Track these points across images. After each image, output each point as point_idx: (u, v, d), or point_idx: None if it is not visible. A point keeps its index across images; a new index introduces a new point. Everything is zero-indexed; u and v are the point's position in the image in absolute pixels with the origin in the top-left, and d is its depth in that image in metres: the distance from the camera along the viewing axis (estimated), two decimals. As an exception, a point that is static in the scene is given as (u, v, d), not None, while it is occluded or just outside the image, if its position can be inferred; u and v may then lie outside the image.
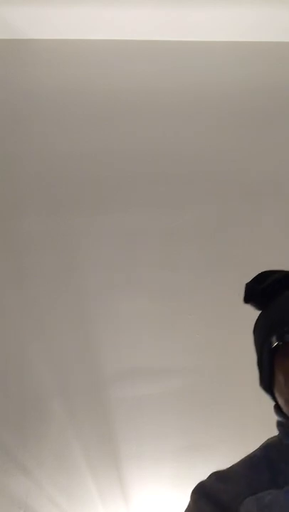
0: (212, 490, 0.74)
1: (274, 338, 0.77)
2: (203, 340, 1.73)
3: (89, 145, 1.99)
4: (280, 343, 0.76)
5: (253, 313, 0.90)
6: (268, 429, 0.87)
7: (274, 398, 0.82)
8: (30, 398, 1.71)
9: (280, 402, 0.78)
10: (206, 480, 0.77)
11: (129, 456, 1.64)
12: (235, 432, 1.50)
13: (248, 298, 0.87)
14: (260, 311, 0.87)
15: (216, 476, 0.77)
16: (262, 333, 0.83)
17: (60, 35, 2.07)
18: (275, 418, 0.84)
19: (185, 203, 1.92)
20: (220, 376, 1.68)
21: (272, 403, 0.83)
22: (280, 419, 0.80)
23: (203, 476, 0.84)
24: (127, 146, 1.99)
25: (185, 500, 0.79)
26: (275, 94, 2.09)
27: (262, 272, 0.88)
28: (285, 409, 0.77)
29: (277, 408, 0.81)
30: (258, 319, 0.87)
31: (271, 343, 0.78)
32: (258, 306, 0.87)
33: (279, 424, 0.81)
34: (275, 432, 0.87)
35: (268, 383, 0.81)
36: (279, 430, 0.81)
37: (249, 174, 1.97)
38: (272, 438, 0.82)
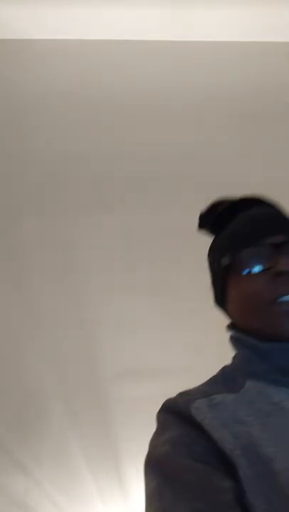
0: (171, 402, 0.80)
1: (226, 258, 0.83)
2: (203, 340, 1.74)
3: (89, 145, 1.99)
4: (232, 261, 0.82)
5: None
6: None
7: (227, 314, 0.90)
8: (30, 398, 1.72)
9: (233, 314, 0.86)
10: (169, 397, 0.83)
11: (129, 455, 1.64)
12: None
13: (203, 225, 0.97)
14: (213, 237, 0.95)
15: (179, 393, 0.83)
16: (216, 253, 0.89)
17: (60, 35, 2.07)
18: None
19: (185, 203, 1.92)
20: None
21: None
22: (231, 333, 0.88)
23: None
24: (127, 146, 1.99)
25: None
26: (275, 94, 2.09)
27: (214, 201, 0.97)
28: (237, 319, 0.85)
29: (230, 325, 0.89)
30: (211, 243, 0.95)
31: (223, 262, 0.84)
32: (211, 232, 0.96)
33: (232, 339, 0.89)
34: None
35: (220, 300, 0.90)
36: (232, 344, 0.89)
37: (249, 174, 1.97)
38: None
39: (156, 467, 0.69)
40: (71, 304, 1.80)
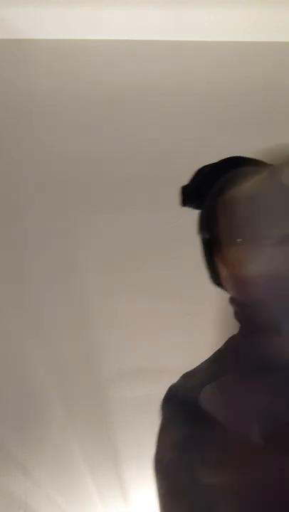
0: (176, 389, 0.73)
1: (204, 232, 0.73)
2: (203, 340, 1.73)
3: (89, 145, 1.99)
4: (209, 236, 0.73)
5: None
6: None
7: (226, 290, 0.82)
8: (29, 398, 1.72)
9: (230, 290, 0.80)
10: (174, 383, 0.76)
11: (129, 456, 1.64)
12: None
13: (184, 201, 0.84)
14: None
15: (183, 375, 0.76)
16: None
17: (60, 35, 2.07)
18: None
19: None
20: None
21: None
22: (234, 308, 0.81)
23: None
24: (127, 146, 1.99)
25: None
26: (276, 94, 2.09)
27: (196, 171, 0.84)
28: (235, 294, 0.78)
29: (231, 299, 0.83)
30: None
31: (204, 238, 0.74)
32: (195, 206, 0.86)
33: (234, 314, 0.81)
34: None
35: (216, 278, 0.81)
36: (236, 318, 0.81)
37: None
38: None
39: (164, 474, 0.64)
40: (71, 303, 1.80)
